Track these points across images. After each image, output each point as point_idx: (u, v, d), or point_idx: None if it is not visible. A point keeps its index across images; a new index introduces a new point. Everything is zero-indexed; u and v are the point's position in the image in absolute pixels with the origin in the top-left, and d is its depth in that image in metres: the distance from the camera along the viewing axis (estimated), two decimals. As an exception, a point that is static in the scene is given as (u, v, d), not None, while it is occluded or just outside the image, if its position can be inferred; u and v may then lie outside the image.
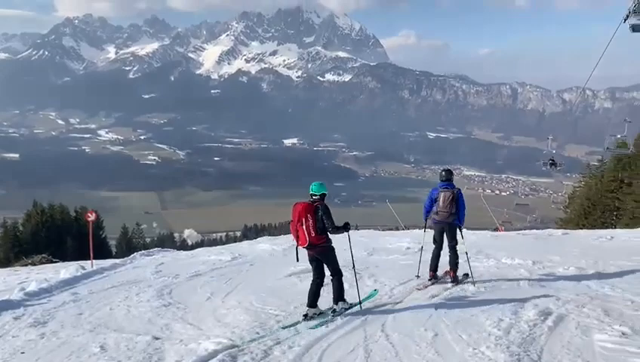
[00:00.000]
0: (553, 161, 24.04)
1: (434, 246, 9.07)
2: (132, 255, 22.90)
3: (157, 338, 6.40)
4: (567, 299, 7.16)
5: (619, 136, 21.35)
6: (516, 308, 6.73)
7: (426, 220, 9.57)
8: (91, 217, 19.54)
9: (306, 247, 7.04)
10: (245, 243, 24.66)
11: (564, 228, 28.99)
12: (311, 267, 7.29)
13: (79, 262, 22.90)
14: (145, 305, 9.00)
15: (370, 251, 14.62)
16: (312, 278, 7.26)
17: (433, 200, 8.82)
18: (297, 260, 7.19)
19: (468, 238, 18.16)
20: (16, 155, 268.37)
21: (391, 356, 5.18)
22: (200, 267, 15.04)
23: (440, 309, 6.93)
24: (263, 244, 20.38)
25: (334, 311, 7.06)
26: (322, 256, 7.09)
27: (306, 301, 7.10)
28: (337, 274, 7.18)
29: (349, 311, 7.04)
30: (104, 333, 7.00)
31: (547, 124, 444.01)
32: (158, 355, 5.67)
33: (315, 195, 7.54)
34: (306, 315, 6.96)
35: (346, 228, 7.19)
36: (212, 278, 11.79)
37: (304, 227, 7.02)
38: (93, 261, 21.46)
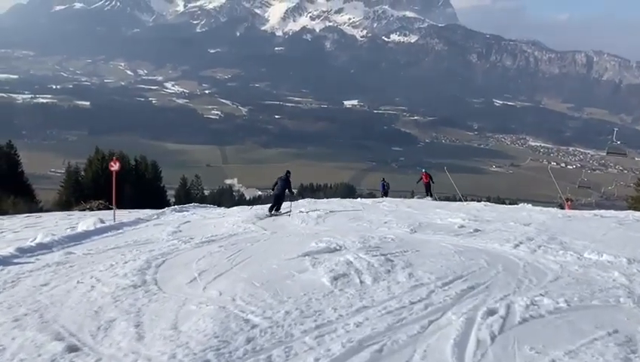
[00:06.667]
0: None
1: None
2: (162, 210, 21.65)
3: (72, 351, 4.42)
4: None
5: (618, 142, 23.92)
6: (624, 351, 4.23)
7: None
8: (115, 166, 17.91)
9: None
10: (285, 204, 22.82)
11: (637, 209, 25.82)
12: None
13: (104, 212, 21.79)
14: (116, 282, 7.21)
15: (416, 227, 12.17)
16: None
17: None
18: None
19: (536, 218, 15.37)
20: (87, 103, 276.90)
21: None
22: (222, 230, 13.50)
23: (504, 337, 4.52)
24: (300, 209, 18.34)
25: None
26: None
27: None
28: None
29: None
30: (25, 326, 5.18)
31: (623, 96, 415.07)
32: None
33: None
34: None
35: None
36: (220, 248, 9.94)
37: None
38: (120, 212, 20.28)
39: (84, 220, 17.00)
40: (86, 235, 13.93)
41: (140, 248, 10.68)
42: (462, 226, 12.29)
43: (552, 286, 6.36)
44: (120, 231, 15.18)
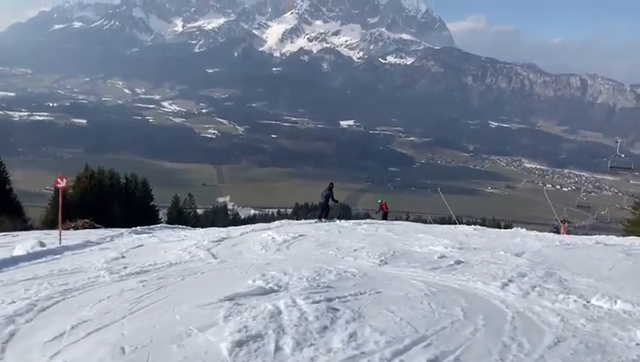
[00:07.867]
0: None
1: None
2: (121, 231, 19.77)
3: None
4: None
5: (622, 155, 22.77)
6: None
7: None
8: (61, 183, 16.04)
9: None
10: (259, 225, 20.96)
11: (633, 233, 24.42)
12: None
13: (50, 233, 19.82)
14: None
15: (388, 257, 10.24)
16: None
17: None
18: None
19: (531, 246, 13.49)
20: (84, 121, 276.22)
21: None
22: (168, 257, 11.70)
23: None
24: (268, 232, 16.39)
25: None
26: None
27: None
28: None
29: None
30: None
31: (617, 119, 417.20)
32: None
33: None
34: None
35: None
36: (140, 283, 8.03)
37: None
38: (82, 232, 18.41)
39: (22, 243, 15.15)
40: (13, 261, 11.98)
41: (55, 280, 8.76)
42: (442, 256, 10.36)
43: (552, 358, 4.43)
44: (58, 256, 13.20)
